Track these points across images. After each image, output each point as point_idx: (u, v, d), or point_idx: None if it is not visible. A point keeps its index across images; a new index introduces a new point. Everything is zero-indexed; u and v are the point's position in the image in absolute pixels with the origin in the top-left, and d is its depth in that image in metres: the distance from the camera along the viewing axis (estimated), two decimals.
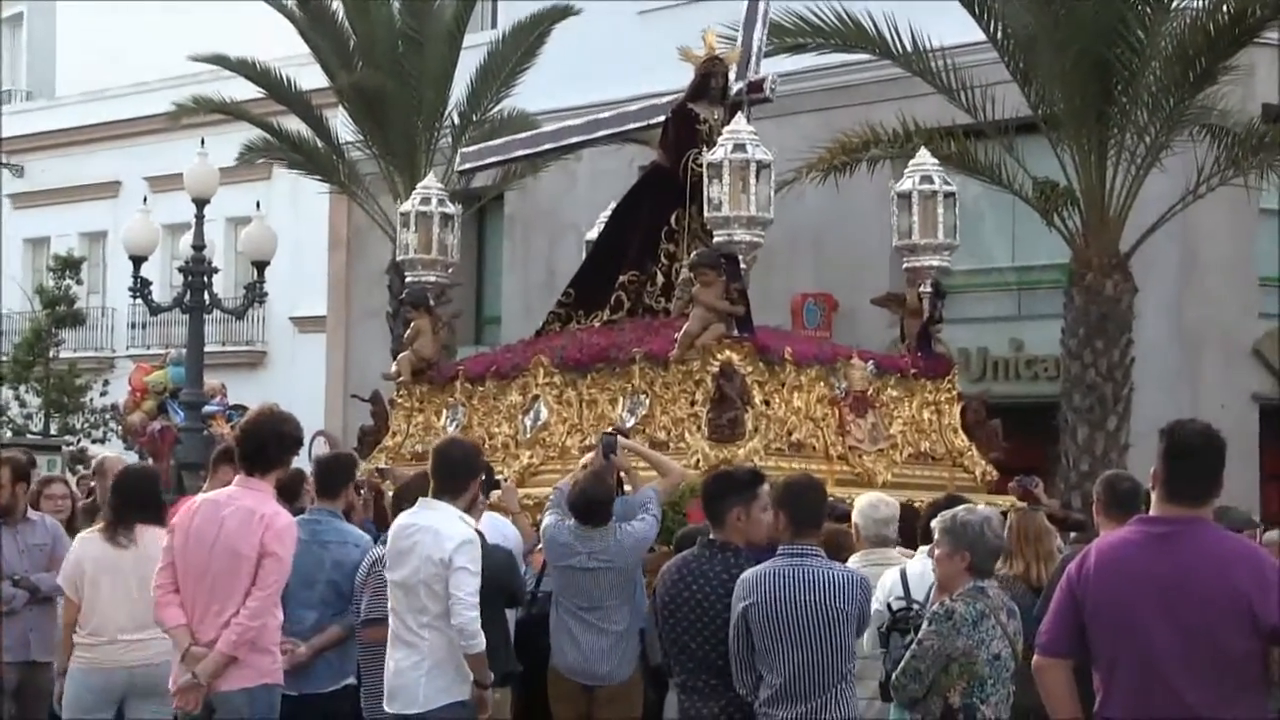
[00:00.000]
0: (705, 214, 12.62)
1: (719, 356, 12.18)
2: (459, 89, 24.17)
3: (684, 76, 14.35)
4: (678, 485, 10.24)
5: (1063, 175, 17.61)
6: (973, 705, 7.12)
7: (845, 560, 8.63)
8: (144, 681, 8.76)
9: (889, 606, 8.20)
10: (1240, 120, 17.69)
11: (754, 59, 14.03)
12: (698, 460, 11.67)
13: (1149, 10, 16.88)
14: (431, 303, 14.57)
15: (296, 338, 32.98)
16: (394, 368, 14.67)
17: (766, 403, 12.32)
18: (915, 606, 8.16)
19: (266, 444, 7.89)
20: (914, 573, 8.51)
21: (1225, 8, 16.90)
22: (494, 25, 26.74)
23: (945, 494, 10.29)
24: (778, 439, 12.26)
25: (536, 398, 13.17)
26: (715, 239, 12.56)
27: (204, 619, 7.67)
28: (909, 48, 17.93)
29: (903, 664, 7.26)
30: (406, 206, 15.01)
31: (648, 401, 12.50)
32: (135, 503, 9.01)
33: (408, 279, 14.97)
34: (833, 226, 22.05)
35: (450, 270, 15.02)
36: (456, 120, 24.13)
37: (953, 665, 7.14)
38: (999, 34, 17.58)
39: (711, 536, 7.87)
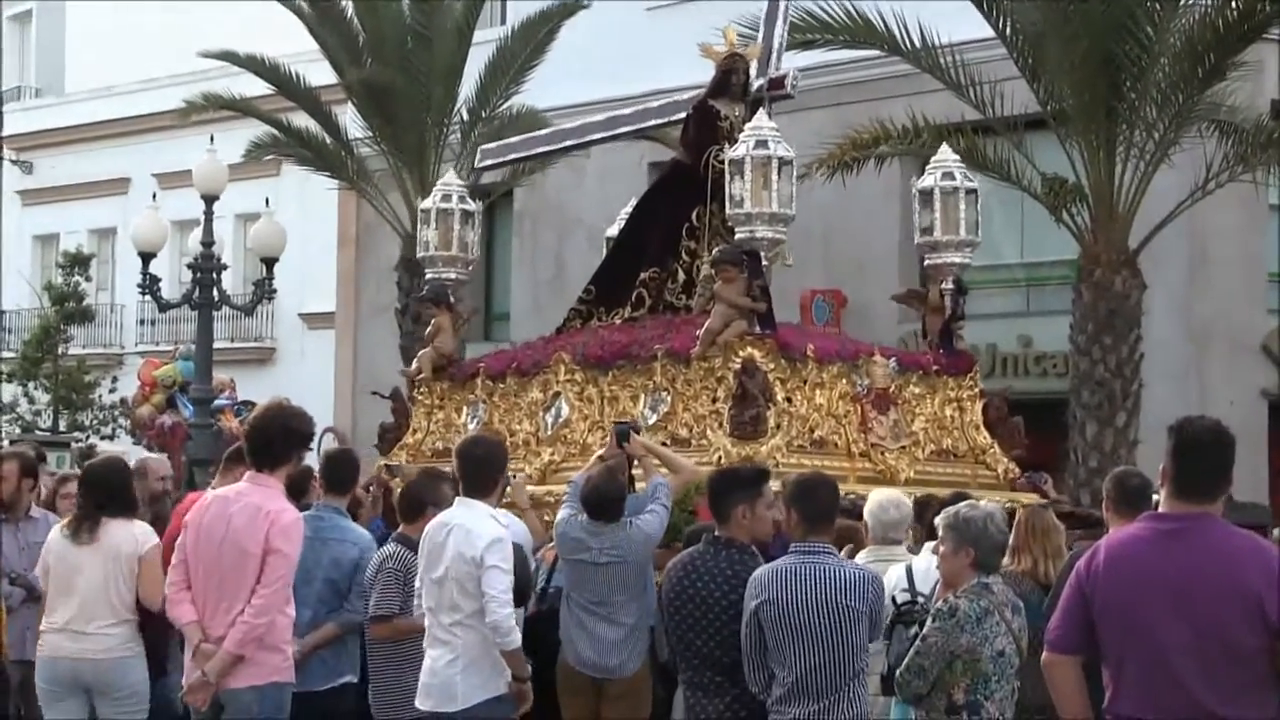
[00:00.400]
0: (727, 210, 12.60)
1: (741, 353, 12.17)
2: (468, 85, 24.15)
3: (692, 72, 14.34)
4: (689, 484, 10.21)
5: (1071, 171, 17.62)
6: (976, 702, 7.10)
7: (853, 557, 8.63)
8: (93, 675, 8.66)
9: (893, 600, 8.21)
10: (1249, 116, 17.72)
11: (775, 55, 14.02)
12: (720, 457, 11.64)
13: (1158, 6, 16.91)
14: (452, 299, 14.57)
15: (305, 334, 32.96)
16: (415, 364, 14.65)
17: (789, 400, 12.29)
18: (920, 600, 8.17)
19: (274, 439, 7.89)
20: (919, 568, 8.54)
21: (1234, 4, 16.92)
22: (503, 21, 26.71)
23: (952, 491, 10.28)
24: (800, 436, 12.23)
25: (558, 395, 13.18)
26: (737, 235, 12.56)
27: (214, 615, 7.69)
28: (918, 44, 17.97)
29: (906, 661, 7.25)
30: (427, 203, 15.02)
31: (669, 399, 12.51)
32: (100, 499, 8.89)
33: (427, 275, 14.96)
34: (841, 222, 22.03)
35: (470, 267, 15.03)
36: (465, 116, 24.12)
37: (956, 662, 7.12)
38: (1008, 30, 17.61)
39: (717, 533, 7.87)
